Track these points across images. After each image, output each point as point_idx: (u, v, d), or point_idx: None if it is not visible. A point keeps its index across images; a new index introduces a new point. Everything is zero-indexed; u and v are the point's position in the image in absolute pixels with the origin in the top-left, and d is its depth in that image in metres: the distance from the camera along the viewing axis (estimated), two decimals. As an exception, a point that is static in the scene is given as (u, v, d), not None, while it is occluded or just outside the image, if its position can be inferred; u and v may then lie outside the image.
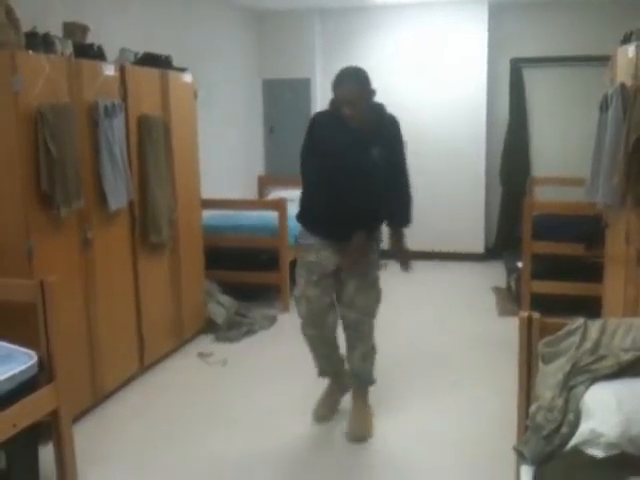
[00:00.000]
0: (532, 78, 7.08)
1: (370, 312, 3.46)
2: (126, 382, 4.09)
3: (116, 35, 4.48)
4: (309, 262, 3.36)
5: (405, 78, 7.19)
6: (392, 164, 3.31)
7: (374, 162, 3.22)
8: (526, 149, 7.15)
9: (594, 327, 2.37)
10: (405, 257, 3.59)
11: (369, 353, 3.50)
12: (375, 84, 7.44)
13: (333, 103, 3.23)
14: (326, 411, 3.58)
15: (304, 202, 3.41)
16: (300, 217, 3.43)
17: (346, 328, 3.46)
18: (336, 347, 3.53)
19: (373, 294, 3.46)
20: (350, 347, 3.48)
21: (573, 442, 2.01)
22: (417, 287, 6.37)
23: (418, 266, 7.00)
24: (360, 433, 3.38)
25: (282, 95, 7.40)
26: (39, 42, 3.37)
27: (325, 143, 3.24)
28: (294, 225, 5.42)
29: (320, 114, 3.43)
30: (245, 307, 5.38)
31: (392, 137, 3.33)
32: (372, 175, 3.24)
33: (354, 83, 3.14)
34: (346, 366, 3.60)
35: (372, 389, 3.59)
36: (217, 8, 6.39)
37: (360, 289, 3.38)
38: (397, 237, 3.59)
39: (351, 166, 3.22)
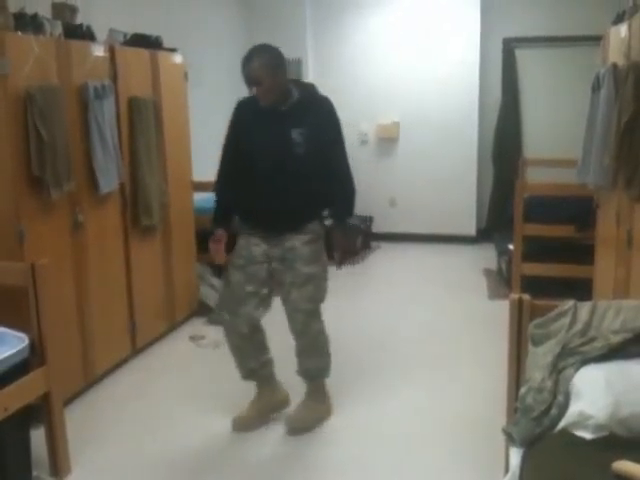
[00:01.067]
0: (524, 58, 7.06)
1: (304, 310, 3.19)
2: (118, 365, 4.10)
3: (105, 15, 4.42)
4: (238, 247, 3.24)
5: (396, 57, 7.16)
6: (323, 148, 3.09)
7: (294, 145, 3.02)
8: (518, 129, 7.15)
9: (584, 309, 2.38)
10: (343, 253, 3.34)
11: (311, 350, 3.29)
12: (366, 64, 7.38)
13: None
14: (245, 421, 3.34)
15: (221, 191, 3.32)
16: (218, 200, 3.32)
17: (288, 323, 3.28)
18: (251, 342, 3.29)
19: (308, 291, 3.17)
20: (295, 341, 3.30)
21: (562, 424, 2.03)
22: (407, 269, 6.41)
23: (410, 248, 7.11)
24: (294, 422, 3.29)
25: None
26: (28, 23, 3.33)
27: (243, 130, 3.14)
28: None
29: (242, 100, 3.27)
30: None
31: (322, 119, 3.09)
32: (293, 159, 3.05)
33: (259, 61, 2.95)
34: (274, 376, 3.42)
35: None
36: (207, -13, 6.33)
37: (294, 285, 3.16)
38: (339, 230, 3.30)
39: (268, 151, 3.08)
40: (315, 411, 3.36)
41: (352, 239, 3.21)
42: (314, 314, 3.24)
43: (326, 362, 3.36)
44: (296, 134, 3.01)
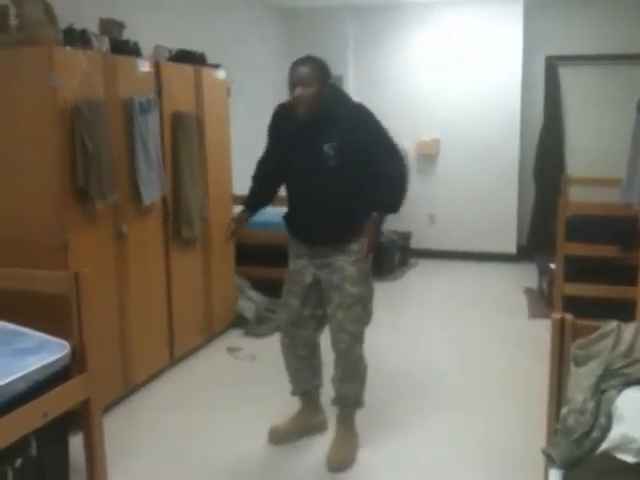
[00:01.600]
0: (568, 76, 6.98)
1: (349, 331, 3.12)
2: (156, 375, 4.14)
3: (150, 32, 4.52)
4: (289, 271, 3.26)
5: (437, 74, 7.15)
6: (358, 155, 2.99)
7: (326, 159, 2.98)
8: (561, 148, 7.06)
9: (628, 330, 2.33)
10: (370, 246, 3.08)
11: (350, 375, 3.20)
12: (407, 81, 7.37)
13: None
14: (282, 433, 3.35)
15: (257, 180, 3.39)
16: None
17: (331, 344, 3.21)
18: (311, 366, 3.33)
19: (355, 312, 3.11)
20: (334, 365, 3.23)
21: (604, 446, 1.99)
22: (447, 287, 6.35)
23: (449, 265, 7.05)
24: (336, 462, 3.13)
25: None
26: (76, 38, 3.43)
27: (278, 138, 3.20)
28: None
29: (280, 107, 3.25)
30: (274, 303, 5.37)
31: (357, 124, 3.01)
32: (325, 173, 3.00)
33: (312, 65, 2.98)
34: (319, 398, 3.42)
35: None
36: (249, 6, 6.43)
37: (341, 306, 3.10)
38: (374, 221, 3.06)
39: (300, 166, 3.08)
40: (352, 445, 3.25)
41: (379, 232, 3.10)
42: (358, 337, 3.19)
43: (362, 390, 3.29)
44: (327, 147, 2.98)
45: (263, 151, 3.36)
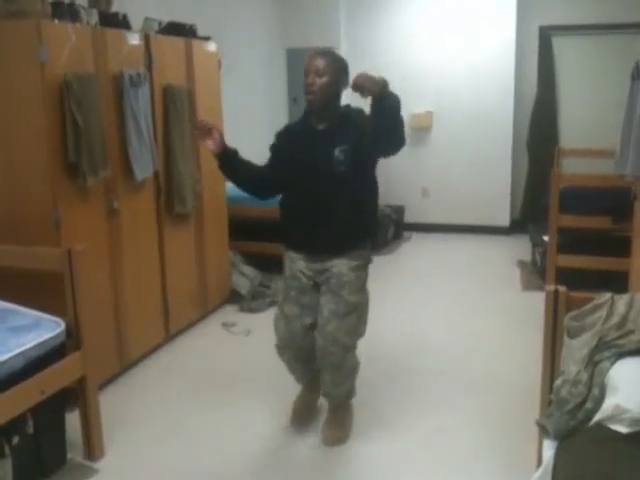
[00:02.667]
0: (561, 46, 6.94)
1: (343, 344, 2.99)
2: (151, 350, 4.15)
3: (139, 4, 4.44)
4: (286, 277, 3.11)
5: (431, 45, 7.10)
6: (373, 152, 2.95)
7: (337, 164, 2.89)
8: (554, 119, 7.04)
9: (621, 302, 2.35)
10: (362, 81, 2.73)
11: (341, 382, 3.11)
12: (399, 52, 7.32)
13: (305, 113, 3.05)
14: (304, 412, 3.30)
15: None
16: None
17: (316, 349, 3.04)
18: (310, 363, 3.15)
19: (350, 323, 2.98)
20: (321, 370, 3.10)
21: (597, 417, 2.01)
22: (439, 260, 6.37)
23: (442, 239, 7.06)
24: (331, 438, 3.14)
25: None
26: (65, 11, 3.37)
27: (285, 153, 3.05)
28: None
29: (287, 125, 3.26)
30: (268, 278, 5.40)
31: (362, 124, 2.91)
32: (336, 178, 2.91)
33: (331, 57, 2.94)
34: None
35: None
36: (241, -24, 6.33)
37: (335, 314, 2.95)
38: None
39: (311, 171, 2.94)
40: (346, 422, 3.23)
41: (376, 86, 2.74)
42: (352, 349, 3.07)
43: (354, 385, 3.23)
44: (339, 152, 2.89)
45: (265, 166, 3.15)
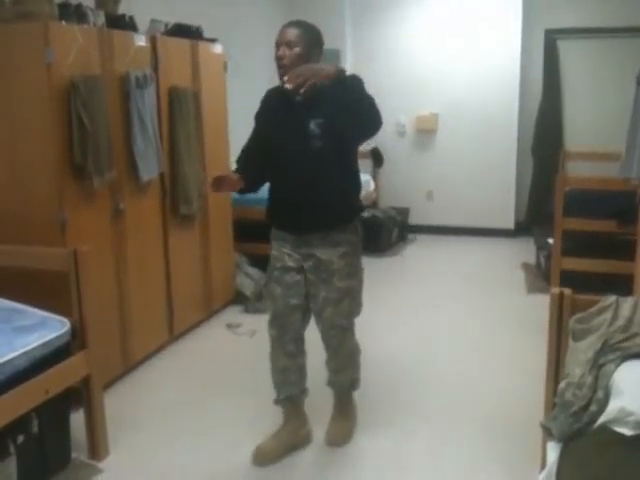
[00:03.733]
0: (567, 49, 6.93)
1: (340, 326, 3.02)
2: (156, 351, 4.16)
3: (146, 6, 4.46)
4: (272, 257, 3.03)
5: (436, 48, 7.10)
6: (349, 128, 2.77)
7: (311, 138, 2.78)
8: (559, 122, 7.03)
9: (626, 305, 2.34)
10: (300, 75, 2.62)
11: (344, 366, 3.14)
12: (405, 54, 7.31)
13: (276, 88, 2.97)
14: (268, 454, 3.04)
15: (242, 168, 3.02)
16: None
17: (322, 339, 3.10)
18: (298, 366, 3.10)
19: (343, 307, 2.97)
20: (327, 355, 3.14)
21: (602, 420, 2.00)
22: (444, 262, 6.36)
23: (447, 241, 7.06)
24: (334, 437, 3.15)
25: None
26: (71, 13, 3.38)
27: (266, 120, 2.97)
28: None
29: (271, 90, 3.08)
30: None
31: (344, 94, 2.70)
32: (310, 155, 2.81)
33: (302, 28, 2.82)
34: (304, 407, 3.19)
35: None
36: (247, -22, 6.35)
37: (329, 301, 2.94)
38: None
39: (286, 144, 2.86)
40: (350, 420, 3.26)
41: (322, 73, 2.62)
42: (349, 330, 3.10)
43: (358, 373, 3.23)
44: (314, 125, 2.78)
45: (247, 140, 3.09)
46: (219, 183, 2.87)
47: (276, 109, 2.95)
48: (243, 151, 3.10)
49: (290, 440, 3.11)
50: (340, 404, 3.25)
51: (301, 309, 3.01)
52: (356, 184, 3.06)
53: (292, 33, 2.80)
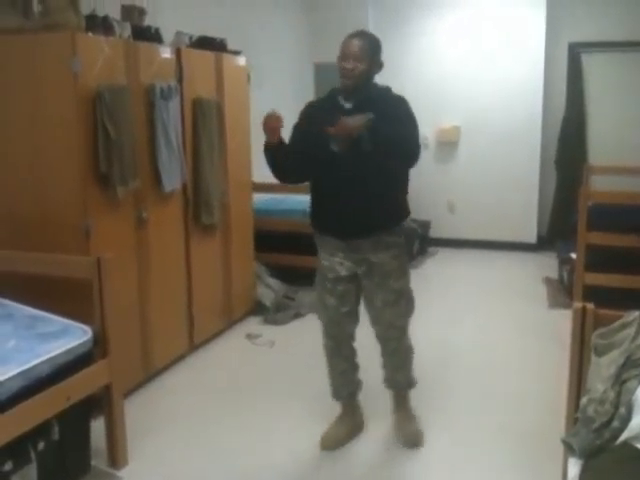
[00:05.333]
0: (591, 63, 6.88)
1: (399, 327, 3.15)
2: (176, 360, 4.18)
3: (172, 18, 4.52)
4: (322, 267, 3.09)
5: (459, 60, 7.09)
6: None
7: (362, 142, 2.74)
8: (583, 136, 6.97)
9: (650, 320, 2.31)
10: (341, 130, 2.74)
11: (401, 365, 3.25)
12: (429, 66, 7.32)
13: (331, 90, 3.04)
14: (335, 439, 3.24)
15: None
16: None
17: (377, 339, 3.21)
18: (354, 365, 3.27)
19: (401, 307, 3.10)
20: (383, 358, 3.26)
21: (624, 436, 1.98)
22: (466, 276, 6.32)
23: (468, 254, 7.02)
24: (411, 436, 3.22)
25: (333, 79, 7.33)
26: (98, 24, 3.44)
27: (309, 127, 2.99)
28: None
29: (312, 101, 3.20)
30: (293, 290, 5.41)
31: (391, 112, 2.85)
32: (361, 159, 2.82)
33: (367, 40, 2.90)
34: (359, 397, 3.35)
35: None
36: (270, -8, 6.41)
37: (387, 303, 3.05)
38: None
39: (334, 152, 2.85)
40: (416, 420, 3.33)
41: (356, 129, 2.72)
42: (406, 330, 3.20)
43: (412, 371, 3.32)
44: (367, 136, 2.76)
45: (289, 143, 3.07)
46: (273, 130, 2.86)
47: (323, 115, 2.94)
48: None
49: (352, 426, 3.31)
50: (403, 404, 3.33)
51: (353, 314, 3.15)
52: (404, 187, 3.11)
53: (360, 47, 2.87)
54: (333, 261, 3.04)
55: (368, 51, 2.88)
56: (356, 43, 2.87)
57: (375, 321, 3.14)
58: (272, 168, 3.05)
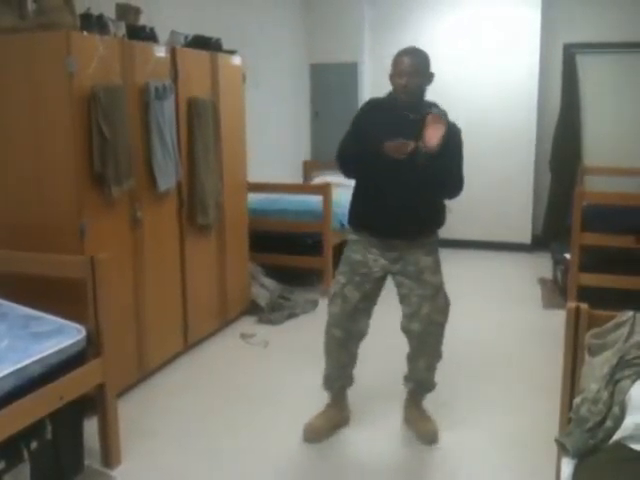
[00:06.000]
0: (586, 64, 6.90)
1: (439, 323, 3.15)
2: (170, 360, 4.17)
3: (167, 17, 4.52)
4: (354, 261, 3.13)
5: (454, 61, 7.07)
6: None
7: (417, 153, 2.90)
8: (578, 137, 6.99)
9: (643, 320, 2.32)
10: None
11: (433, 364, 3.27)
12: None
13: (390, 93, 3.12)
14: (318, 430, 3.28)
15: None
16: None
17: (411, 340, 3.19)
18: (354, 361, 3.32)
19: (439, 302, 3.13)
20: (413, 357, 3.24)
21: (617, 436, 1.98)
22: (461, 276, 6.31)
23: (463, 255, 7.03)
24: (432, 434, 3.25)
25: (329, 79, 7.37)
26: (93, 23, 3.42)
27: (370, 125, 3.06)
28: (338, 210, 5.46)
29: (373, 99, 3.25)
30: (288, 290, 5.42)
31: (449, 134, 3.03)
32: (414, 167, 2.92)
33: (421, 57, 3.10)
34: (347, 392, 3.40)
35: None
36: (266, -9, 6.41)
37: (425, 298, 3.09)
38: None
39: (389, 157, 2.92)
40: (432, 418, 3.35)
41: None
42: (444, 328, 3.19)
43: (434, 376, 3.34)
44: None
45: (345, 137, 3.16)
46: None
47: (384, 118, 3.06)
48: (344, 141, 3.16)
49: (337, 419, 3.35)
50: (419, 403, 3.36)
51: (368, 312, 3.20)
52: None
53: (416, 63, 3.06)
54: (367, 257, 3.11)
55: (424, 66, 3.08)
56: (410, 60, 3.05)
57: (413, 318, 3.12)
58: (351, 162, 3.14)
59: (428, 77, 3.11)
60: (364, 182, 3.17)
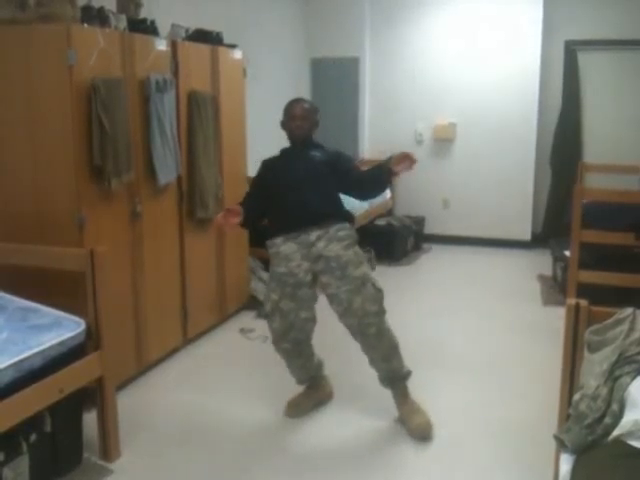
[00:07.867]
0: (587, 61, 6.90)
1: (374, 312, 3.16)
2: (169, 353, 4.17)
3: (167, 11, 4.50)
4: (280, 273, 3.23)
5: (455, 57, 7.09)
6: (340, 169, 3.36)
7: (318, 164, 3.31)
8: (578, 134, 6.99)
9: (643, 317, 2.32)
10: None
11: (389, 353, 3.25)
12: (424, 63, 7.38)
13: (282, 149, 3.47)
14: (298, 407, 3.48)
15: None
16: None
17: (355, 336, 3.23)
18: (312, 355, 3.45)
19: (369, 291, 3.15)
20: (367, 352, 3.27)
21: (616, 432, 1.98)
22: (460, 273, 6.34)
23: (462, 251, 7.04)
24: (423, 428, 3.22)
25: (329, 74, 7.36)
26: (94, 16, 3.42)
27: (272, 175, 3.36)
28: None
29: (266, 161, 3.50)
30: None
31: (334, 155, 3.42)
32: (317, 172, 3.29)
33: (309, 104, 3.44)
34: (324, 371, 3.57)
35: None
36: (268, -15, 6.39)
37: (353, 292, 3.13)
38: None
39: (294, 174, 3.29)
40: (422, 409, 3.34)
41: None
42: (382, 313, 3.21)
43: (403, 360, 3.34)
44: (318, 158, 3.34)
45: (247, 195, 3.50)
46: (226, 213, 3.26)
47: (288, 160, 3.41)
48: (247, 194, 3.53)
49: (318, 395, 3.55)
50: (404, 398, 3.35)
51: (311, 320, 3.30)
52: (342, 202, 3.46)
53: (305, 109, 3.37)
54: (290, 265, 3.21)
55: (312, 110, 3.41)
56: (303, 105, 3.39)
57: (346, 314, 3.17)
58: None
59: (317, 120, 3.44)
60: (276, 206, 3.34)
